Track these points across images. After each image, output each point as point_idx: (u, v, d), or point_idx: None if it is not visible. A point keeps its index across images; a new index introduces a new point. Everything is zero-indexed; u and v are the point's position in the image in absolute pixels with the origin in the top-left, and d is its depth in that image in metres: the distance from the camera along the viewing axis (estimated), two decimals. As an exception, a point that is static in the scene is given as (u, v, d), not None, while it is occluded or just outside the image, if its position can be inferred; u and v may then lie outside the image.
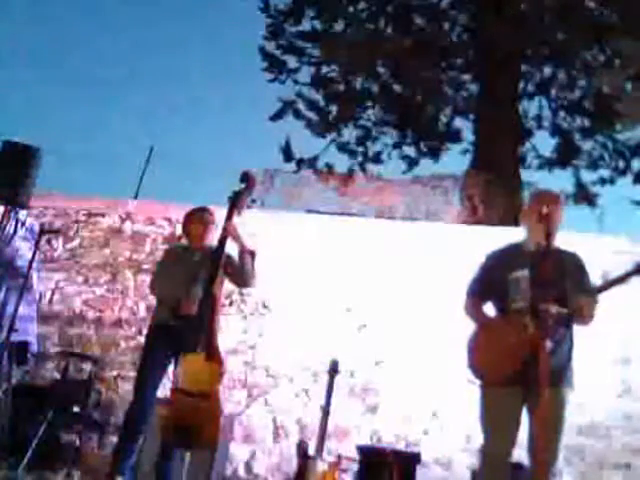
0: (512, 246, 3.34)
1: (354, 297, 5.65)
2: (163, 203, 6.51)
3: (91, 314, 5.95)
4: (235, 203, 3.89)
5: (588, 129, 10.82)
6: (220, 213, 4.05)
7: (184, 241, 4.41)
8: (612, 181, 10.84)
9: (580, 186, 10.94)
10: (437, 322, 5.25)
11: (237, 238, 3.91)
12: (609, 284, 3.04)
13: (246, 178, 3.96)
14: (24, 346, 4.38)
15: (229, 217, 3.87)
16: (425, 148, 11.14)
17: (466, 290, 3.37)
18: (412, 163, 11.18)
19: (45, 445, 4.42)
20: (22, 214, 4.26)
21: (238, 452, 5.25)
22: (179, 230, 6.03)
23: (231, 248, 3.95)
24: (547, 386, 2.78)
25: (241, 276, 4.01)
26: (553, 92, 11.01)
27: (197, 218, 4.24)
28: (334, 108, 11.09)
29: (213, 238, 4.15)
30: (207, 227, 4.19)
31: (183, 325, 3.68)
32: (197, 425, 3.44)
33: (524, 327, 2.97)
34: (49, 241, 6.05)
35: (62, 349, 5.67)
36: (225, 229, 3.83)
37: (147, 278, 5.88)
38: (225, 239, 3.82)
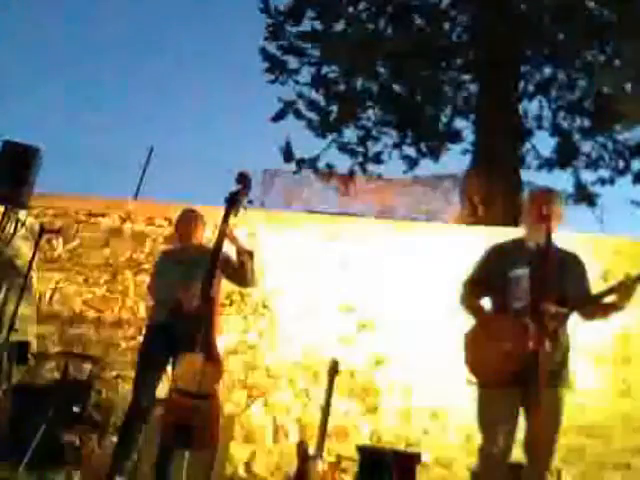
0: (513, 242, 3.32)
1: (354, 297, 5.65)
2: (163, 203, 6.51)
3: (91, 314, 5.95)
4: (231, 204, 3.89)
5: (588, 129, 10.80)
6: (219, 213, 4.05)
7: (178, 243, 4.43)
8: (612, 181, 10.83)
9: (580, 186, 10.92)
10: (437, 322, 5.25)
11: (233, 239, 3.91)
12: (609, 291, 3.05)
13: (242, 179, 3.95)
14: (24, 346, 4.37)
15: (225, 218, 3.87)
16: (425, 148, 11.12)
17: (463, 282, 3.34)
18: (412, 163, 11.16)
19: (45, 445, 4.42)
20: (22, 214, 4.26)
21: (238, 452, 5.25)
22: (178, 231, 6.04)
23: (229, 249, 3.95)
24: (545, 387, 2.78)
25: (241, 276, 4.01)
26: (553, 92, 10.99)
27: (184, 218, 4.27)
28: (334, 108, 11.08)
29: (202, 236, 4.19)
30: (195, 225, 4.21)
31: (181, 325, 3.68)
32: (197, 425, 3.44)
33: (524, 327, 2.96)
34: (49, 241, 6.05)
35: (62, 349, 5.66)
36: (221, 231, 3.83)
37: (147, 278, 5.89)
38: (222, 241, 3.82)
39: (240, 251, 3.94)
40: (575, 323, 3.21)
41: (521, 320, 2.99)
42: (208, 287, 3.70)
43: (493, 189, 9.45)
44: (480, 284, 3.29)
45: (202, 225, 4.27)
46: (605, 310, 3.15)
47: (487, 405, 3.12)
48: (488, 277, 3.27)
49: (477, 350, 3.15)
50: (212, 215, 4.38)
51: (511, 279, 3.14)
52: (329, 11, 10.98)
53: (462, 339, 3.22)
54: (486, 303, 3.30)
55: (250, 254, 3.99)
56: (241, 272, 3.96)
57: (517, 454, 3.08)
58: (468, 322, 3.29)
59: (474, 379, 3.15)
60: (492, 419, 3.09)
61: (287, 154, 11.04)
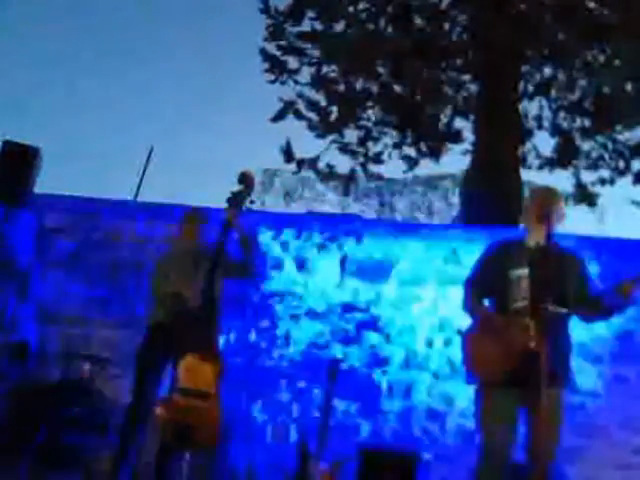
0: (513, 241, 3.32)
1: (354, 297, 5.65)
2: (163, 203, 6.50)
3: (91, 314, 5.94)
4: (233, 204, 3.89)
5: (588, 129, 10.79)
6: (220, 213, 4.05)
7: (183, 242, 4.44)
8: (612, 181, 10.82)
9: (580, 186, 10.92)
10: (437, 322, 5.25)
11: (238, 226, 3.91)
12: (609, 292, 3.06)
13: (244, 179, 3.95)
14: (24, 346, 4.38)
15: (227, 219, 3.86)
16: (425, 148, 11.11)
17: (464, 282, 3.34)
18: (412, 163, 11.16)
19: (45, 445, 4.42)
20: (22, 214, 4.26)
21: (238, 452, 5.24)
22: (179, 230, 6.05)
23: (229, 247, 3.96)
24: (546, 387, 2.78)
25: (242, 265, 4.00)
26: (553, 92, 10.99)
27: (189, 218, 4.29)
28: (334, 108, 11.07)
29: (206, 237, 4.20)
30: (201, 226, 4.22)
31: (181, 325, 3.69)
32: (197, 425, 3.44)
33: (525, 327, 2.96)
34: (49, 241, 6.04)
35: (62, 349, 5.66)
36: (226, 218, 3.82)
37: (147, 278, 5.90)
38: (223, 241, 3.81)
39: (243, 238, 3.94)
40: (575, 323, 3.21)
41: (521, 320, 3.00)
42: (210, 287, 3.70)
43: (493, 189, 9.44)
44: (480, 284, 3.29)
45: (206, 225, 4.28)
46: (605, 311, 3.15)
47: (487, 405, 3.12)
48: (488, 277, 3.27)
49: (477, 350, 3.15)
50: (213, 215, 4.38)
51: (511, 279, 3.15)
52: (329, 11, 10.97)
53: (462, 339, 3.22)
54: (486, 303, 3.31)
55: (250, 240, 4.00)
56: (242, 261, 3.97)
57: (517, 454, 3.09)
58: (468, 321, 3.29)
59: (474, 379, 3.15)
60: (492, 419, 3.09)
61: (287, 154, 11.04)
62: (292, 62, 11.25)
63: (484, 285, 3.27)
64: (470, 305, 3.29)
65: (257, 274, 4.17)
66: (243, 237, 3.94)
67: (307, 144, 11.30)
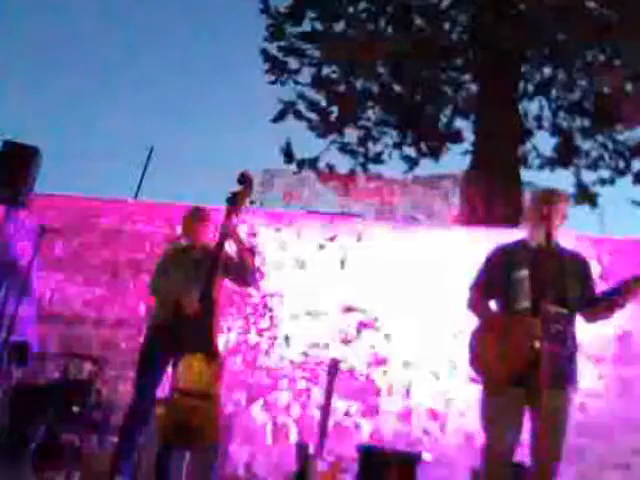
0: (516, 243, 3.34)
1: (354, 297, 5.65)
2: (163, 203, 6.50)
3: (91, 314, 5.95)
4: (233, 204, 3.88)
5: (588, 129, 10.80)
6: (220, 213, 4.05)
7: (183, 241, 4.43)
8: (612, 181, 10.83)
9: (580, 186, 10.93)
10: (437, 322, 5.26)
11: (236, 237, 3.91)
12: (613, 293, 3.06)
13: (243, 179, 3.94)
14: (24, 346, 4.38)
15: (227, 219, 3.86)
16: (425, 148, 11.12)
17: (469, 285, 3.35)
18: (412, 163, 11.16)
19: (45, 445, 4.42)
20: (22, 214, 4.26)
21: (238, 452, 5.25)
22: (179, 230, 6.04)
23: (231, 249, 3.95)
24: (549, 387, 2.78)
25: (242, 274, 4.00)
26: (553, 92, 11.00)
27: (192, 217, 4.26)
28: (335, 109, 11.07)
29: (209, 236, 4.19)
30: (202, 225, 4.21)
31: (183, 325, 3.68)
32: (197, 425, 3.44)
33: (529, 328, 2.96)
34: (49, 241, 6.04)
35: (62, 349, 5.66)
36: (223, 230, 3.82)
37: (147, 278, 5.89)
38: (224, 240, 3.81)
39: (242, 249, 3.93)
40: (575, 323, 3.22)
41: (525, 321, 3.00)
42: (209, 287, 3.70)
43: (493, 189, 9.45)
44: (485, 286, 3.30)
45: (209, 224, 4.27)
46: (606, 311, 3.15)
47: (491, 405, 3.12)
48: (492, 279, 3.28)
49: (482, 350, 3.15)
50: (213, 215, 4.38)
51: (513, 281, 3.15)
52: (329, 11, 10.98)
53: (464, 341, 3.23)
54: (491, 305, 3.32)
55: (252, 252, 3.99)
56: (242, 270, 3.96)
57: (519, 454, 3.08)
58: (468, 322, 3.29)
59: (478, 378, 3.16)
60: (495, 418, 3.09)
61: (287, 154, 11.04)
62: (292, 62, 11.26)
63: (489, 287, 3.29)
64: (476, 307, 3.30)
65: (255, 282, 4.16)
66: (241, 248, 3.92)
67: (307, 144, 11.29)
